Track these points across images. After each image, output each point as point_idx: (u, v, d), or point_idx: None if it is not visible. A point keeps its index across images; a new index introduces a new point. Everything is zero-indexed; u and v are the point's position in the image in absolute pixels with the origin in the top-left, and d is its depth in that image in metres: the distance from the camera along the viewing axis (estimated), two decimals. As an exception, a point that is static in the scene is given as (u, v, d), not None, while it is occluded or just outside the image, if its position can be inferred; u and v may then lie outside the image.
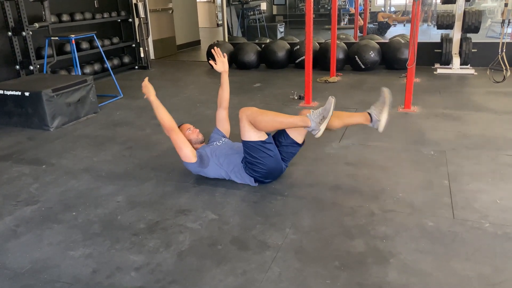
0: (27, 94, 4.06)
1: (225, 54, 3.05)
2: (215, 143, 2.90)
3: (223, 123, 3.08)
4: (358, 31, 8.50)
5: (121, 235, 2.28)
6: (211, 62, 3.04)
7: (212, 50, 3.13)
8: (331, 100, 2.49)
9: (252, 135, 2.60)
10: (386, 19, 10.32)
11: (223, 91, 3.06)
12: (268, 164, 2.66)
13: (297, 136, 2.74)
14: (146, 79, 2.89)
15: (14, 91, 4.11)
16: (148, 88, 2.84)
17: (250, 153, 2.64)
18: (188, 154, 2.75)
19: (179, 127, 2.95)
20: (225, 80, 3.05)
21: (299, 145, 2.78)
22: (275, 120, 2.61)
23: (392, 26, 10.45)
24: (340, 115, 2.71)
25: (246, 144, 2.64)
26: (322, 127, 2.49)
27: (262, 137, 2.63)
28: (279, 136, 2.75)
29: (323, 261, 2.00)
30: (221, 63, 3.00)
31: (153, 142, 3.68)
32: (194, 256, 2.07)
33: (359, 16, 8.70)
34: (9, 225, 2.42)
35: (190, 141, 2.85)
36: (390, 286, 1.82)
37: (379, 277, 1.88)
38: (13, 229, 2.37)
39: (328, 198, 2.60)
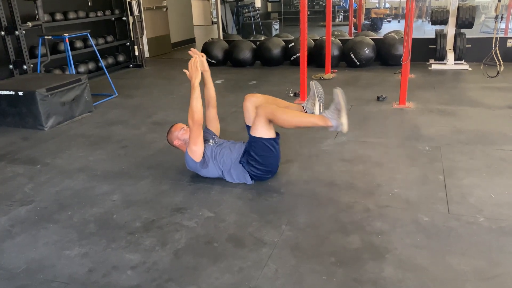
0: (21, 93, 4.04)
1: (202, 54, 2.88)
2: (210, 141, 2.89)
3: (214, 123, 3.05)
4: (353, 27, 8.50)
5: (117, 234, 2.27)
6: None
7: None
8: (337, 91, 2.52)
9: (264, 132, 2.64)
10: (381, 15, 10.36)
11: (209, 90, 3.04)
12: (269, 161, 2.70)
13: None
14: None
15: (7, 91, 4.09)
16: (196, 73, 2.73)
17: (255, 149, 2.66)
18: (199, 152, 2.73)
19: (172, 126, 2.95)
20: (208, 78, 3.01)
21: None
22: (295, 119, 2.64)
23: (387, 22, 10.45)
24: (279, 103, 2.87)
25: (255, 141, 2.65)
26: (344, 120, 2.48)
27: (272, 134, 2.67)
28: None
29: (319, 257, 2.00)
30: (200, 63, 2.81)
31: (148, 141, 3.67)
32: (191, 254, 2.07)
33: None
34: (4, 226, 2.41)
35: (184, 140, 2.85)
36: (386, 282, 1.83)
37: (375, 272, 1.89)
38: (8, 229, 2.36)
39: (324, 195, 2.60)
